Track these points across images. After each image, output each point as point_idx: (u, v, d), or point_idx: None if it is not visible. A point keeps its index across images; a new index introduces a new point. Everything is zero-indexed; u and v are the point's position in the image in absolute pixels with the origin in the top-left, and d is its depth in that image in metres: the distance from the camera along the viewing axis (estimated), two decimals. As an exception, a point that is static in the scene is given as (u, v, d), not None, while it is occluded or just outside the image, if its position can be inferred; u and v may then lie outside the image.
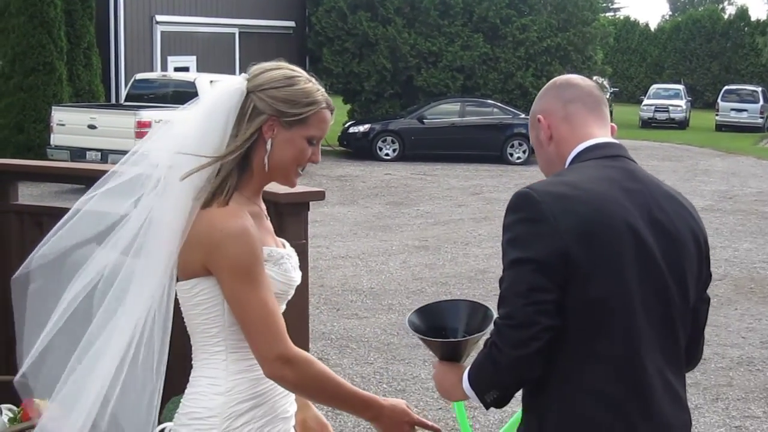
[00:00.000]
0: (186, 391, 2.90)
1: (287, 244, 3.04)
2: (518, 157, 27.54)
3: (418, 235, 15.54)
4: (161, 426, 2.95)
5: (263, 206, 2.98)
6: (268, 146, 2.84)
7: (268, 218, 3.02)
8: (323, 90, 2.93)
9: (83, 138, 19.70)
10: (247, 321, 2.75)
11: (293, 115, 2.85)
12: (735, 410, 7.71)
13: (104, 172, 2.94)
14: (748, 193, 22.01)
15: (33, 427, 3.35)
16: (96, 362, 2.80)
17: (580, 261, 2.69)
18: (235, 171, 2.83)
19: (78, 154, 19.53)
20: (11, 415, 3.64)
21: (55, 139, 20.18)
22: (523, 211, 2.75)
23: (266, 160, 2.85)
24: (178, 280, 2.83)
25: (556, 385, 2.74)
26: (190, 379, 2.90)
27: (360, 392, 2.91)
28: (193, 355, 2.90)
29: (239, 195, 2.84)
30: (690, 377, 8.42)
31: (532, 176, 24.63)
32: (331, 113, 2.94)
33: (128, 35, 26.36)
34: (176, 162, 2.81)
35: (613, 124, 3.07)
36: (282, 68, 2.91)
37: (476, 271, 12.84)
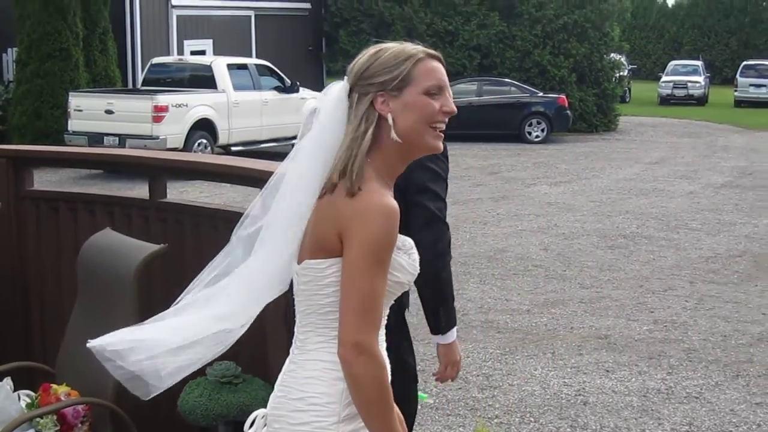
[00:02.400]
0: (293, 374, 2.82)
1: None
2: (536, 136, 27.49)
3: (436, 216, 15.44)
4: (255, 413, 2.89)
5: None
6: (390, 120, 2.78)
7: None
8: (420, 45, 2.88)
9: (101, 123, 19.76)
10: (351, 298, 2.65)
11: (394, 79, 2.79)
12: (756, 387, 7.67)
13: (121, 156, 2.91)
14: (767, 169, 21.89)
15: (50, 412, 3.35)
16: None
17: None
18: (363, 157, 2.75)
19: (96, 139, 19.56)
20: (29, 400, 3.65)
21: (73, 124, 20.26)
22: None
23: (393, 134, 2.77)
24: (309, 258, 2.75)
25: None
26: (298, 361, 2.81)
27: None
28: (301, 337, 2.81)
29: (379, 179, 2.76)
30: (710, 354, 8.43)
31: (550, 154, 24.65)
32: (439, 61, 2.87)
33: (144, 19, 26.39)
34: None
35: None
36: (369, 50, 2.88)
37: (495, 250, 12.82)
